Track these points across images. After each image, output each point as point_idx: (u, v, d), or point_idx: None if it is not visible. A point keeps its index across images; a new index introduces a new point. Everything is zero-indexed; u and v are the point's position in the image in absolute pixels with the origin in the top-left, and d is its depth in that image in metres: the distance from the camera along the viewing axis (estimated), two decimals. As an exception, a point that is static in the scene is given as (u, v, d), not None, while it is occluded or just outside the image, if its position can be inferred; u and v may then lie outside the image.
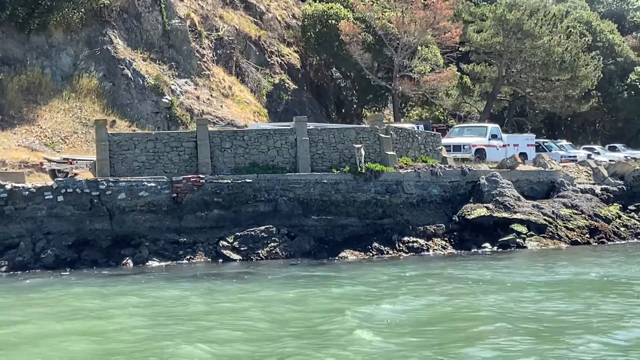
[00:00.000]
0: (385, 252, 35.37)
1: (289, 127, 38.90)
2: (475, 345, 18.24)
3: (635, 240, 40.33)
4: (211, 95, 52.76)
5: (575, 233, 38.78)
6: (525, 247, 36.69)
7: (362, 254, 35.15)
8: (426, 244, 36.31)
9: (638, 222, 42.24)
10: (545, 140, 62.77)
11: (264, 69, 59.52)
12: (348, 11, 60.05)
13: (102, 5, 49.90)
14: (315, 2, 62.43)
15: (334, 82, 65.19)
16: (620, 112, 79.00)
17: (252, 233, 34.49)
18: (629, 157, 60.96)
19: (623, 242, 39.62)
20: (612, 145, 72.10)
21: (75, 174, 37.15)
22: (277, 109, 58.35)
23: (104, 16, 50.36)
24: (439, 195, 38.73)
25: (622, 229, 40.93)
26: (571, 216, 39.75)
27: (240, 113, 53.26)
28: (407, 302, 23.92)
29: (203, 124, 37.55)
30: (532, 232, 37.70)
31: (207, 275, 29.83)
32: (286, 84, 60.12)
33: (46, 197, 33.43)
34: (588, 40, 69.10)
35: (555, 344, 18.14)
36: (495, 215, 37.77)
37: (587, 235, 39.10)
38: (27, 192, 33.28)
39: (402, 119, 60.49)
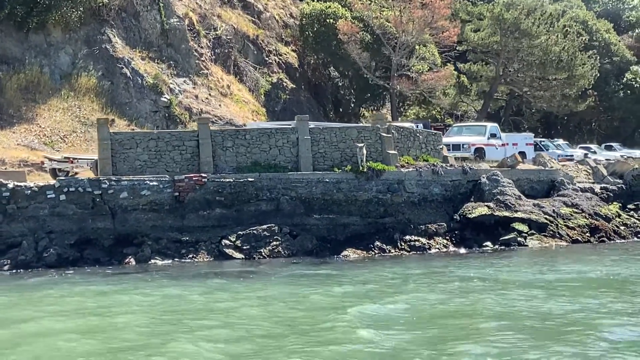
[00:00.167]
0: (387, 251, 35.43)
1: (290, 126, 38.88)
2: (484, 343, 18.32)
3: (635, 239, 40.44)
4: (210, 94, 52.72)
5: (575, 232, 38.90)
6: (526, 245, 36.83)
7: (364, 252, 35.22)
8: (428, 243, 36.39)
9: (638, 221, 42.33)
10: (542, 139, 62.81)
11: (262, 68, 59.49)
12: (346, 10, 59.99)
13: (100, 4, 49.80)
14: (313, 1, 62.41)
15: (331, 81, 65.19)
16: (616, 112, 79.17)
17: (255, 232, 34.51)
18: (625, 156, 61.05)
19: (623, 241, 39.70)
20: (608, 144, 72.25)
21: (76, 173, 37.08)
22: (275, 108, 58.34)
23: (102, 15, 50.28)
24: (440, 194, 38.78)
25: (622, 227, 41.04)
26: (572, 215, 39.83)
27: (238, 112, 53.21)
28: (411, 300, 24.08)
29: (205, 123, 37.52)
30: (533, 231, 37.84)
31: (212, 274, 29.89)
32: (284, 83, 60.11)
33: (48, 196, 33.40)
34: (585, 39, 69.16)
35: (567, 342, 18.21)
36: (496, 214, 37.86)
37: (587, 234, 39.24)
38: (29, 191, 33.25)
39: (399, 118, 60.45)
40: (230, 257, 33.55)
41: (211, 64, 55.23)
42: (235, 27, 58.89)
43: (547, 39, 63.07)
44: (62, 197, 33.46)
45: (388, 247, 35.73)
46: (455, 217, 38.18)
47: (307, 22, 61.42)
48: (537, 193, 41.81)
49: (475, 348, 17.89)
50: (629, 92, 77.18)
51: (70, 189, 33.61)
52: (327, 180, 36.65)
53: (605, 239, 39.32)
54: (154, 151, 35.92)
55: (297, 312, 22.62)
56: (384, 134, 38.67)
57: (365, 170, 37.02)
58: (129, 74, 49.19)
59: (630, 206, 44.04)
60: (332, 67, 63.72)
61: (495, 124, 53.98)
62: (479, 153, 47.53)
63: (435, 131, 45.52)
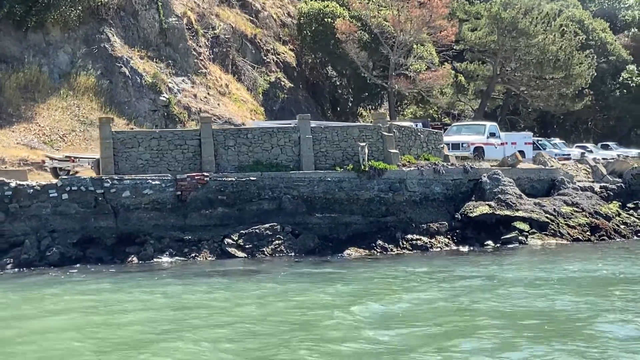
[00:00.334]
0: (389, 250, 35.45)
1: (291, 125, 38.91)
2: (489, 340, 18.40)
3: (636, 237, 40.54)
4: (208, 94, 52.73)
5: (576, 231, 38.95)
6: (527, 244, 36.87)
7: (367, 251, 35.24)
8: (429, 242, 36.41)
9: (638, 220, 42.41)
10: (539, 138, 62.86)
11: (260, 67, 59.50)
12: (344, 9, 59.96)
13: (99, 3, 49.76)
14: (311, 0, 62.32)
15: (329, 80, 65.14)
16: (613, 111, 79.39)
17: (257, 231, 34.52)
18: (622, 155, 61.13)
19: (624, 239, 39.75)
20: (604, 143, 72.35)
21: (77, 172, 37.08)
22: (273, 107, 58.37)
23: (101, 14, 50.23)
24: (442, 193, 38.82)
25: (622, 226, 41.11)
26: (572, 214, 39.89)
27: (237, 111, 53.22)
28: (415, 299, 24.19)
29: (207, 122, 37.51)
30: (534, 230, 37.89)
31: (215, 273, 29.90)
32: (282, 82, 60.16)
33: (51, 195, 33.38)
34: (582, 39, 69.28)
35: (575, 340, 18.28)
36: (497, 213, 37.91)
37: (588, 233, 39.30)
38: (31, 190, 33.22)
39: (397, 117, 60.46)
40: (232, 256, 33.55)
41: (209, 63, 55.24)
42: (233, 26, 58.88)
43: (545, 39, 63.15)
44: (65, 196, 33.44)
45: (390, 245, 35.75)
46: (456, 216, 38.22)
47: (305, 21, 61.42)
48: (537, 192, 41.88)
49: (479, 345, 17.97)
50: (625, 91, 77.39)
51: (73, 188, 33.59)
52: (329, 179, 36.67)
53: (605, 237, 39.38)
54: (155, 150, 35.91)
55: (300, 310, 22.63)
56: (386, 133, 38.70)
57: (367, 169, 37.05)
58: (127, 73, 49.17)
59: (630, 205, 44.14)
60: (329, 67, 63.64)
61: (495, 123, 53.99)
62: (478, 152, 47.55)
63: (436, 130, 45.53)
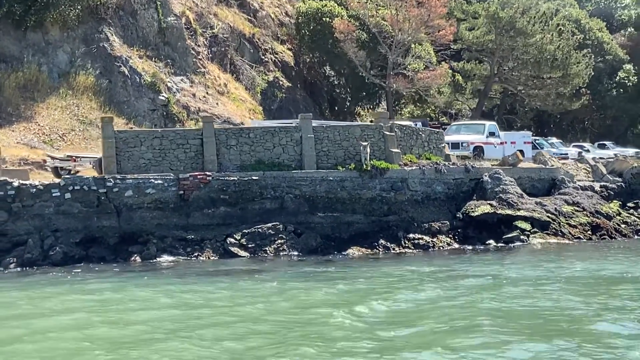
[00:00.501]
0: (391, 249, 35.51)
1: (293, 125, 38.94)
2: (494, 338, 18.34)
3: (636, 237, 40.66)
4: (207, 93, 52.75)
5: (577, 230, 39.08)
6: (529, 243, 36.89)
7: (369, 250, 35.31)
8: (431, 241, 36.45)
9: (638, 219, 42.53)
10: (537, 137, 62.89)
11: (258, 67, 59.54)
12: (342, 9, 60.00)
13: (98, 3, 49.79)
14: (309, -1, 62.46)
15: (327, 79, 65.12)
16: (609, 110, 79.47)
17: (259, 230, 34.53)
18: (619, 155, 61.22)
19: (624, 239, 39.86)
20: (601, 142, 72.37)
21: (77, 171, 37.07)
22: (271, 106, 58.42)
23: (100, 13, 50.25)
24: (443, 193, 38.87)
25: (623, 225, 41.23)
26: (573, 213, 40.00)
27: (235, 110, 53.26)
28: (419, 297, 24.19)
29: (209, 122, 37.54)
30: (535, 229, 37.96)
31: (219, 272, 29.87)
32: (280, 82, 60.22)
33: (53, 195, 33.34)
34: (579, 38, 69.39)
35: (589, 340, 18.26)
36: (499, 212, 37.98)
37: (589, 232, 39.41)
38: (34, 190, 33.19)
39: (394, 117, 60.45)
40: (235, 255, 33.54)
41: (208, 63, 55.29)
42: (231, 25, 58.92)
43: (542, 38, 63.25)
44: (67, 195, 33.41)
45: (392, 245, 35.81)
46: (458, 215, 38.26)
47: (303, 20, 61.40)
48: (538, 191, 41.95)
49: (485, 343, 17.97)
50: (621, 90, 77.49)
51: (76, 187, 33.57)
52: (331, 178, 36.69)
53: (606, 237, 39.50)
54: (158, 149, 35.91)
55: (305, 309, 22.60)
56: (387, 133, 38.74)
57: (369, 168, 37.08)
58: (126, 72, 49.21)
59: (630, 204, 44.28)
60: (327, 66, 63.62)
61: (494, 123, 54.06)
62: (478, 151, 47.57)
63: (437, 129, 45.58)
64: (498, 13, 62.81)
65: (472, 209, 38.20)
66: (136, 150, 35.69)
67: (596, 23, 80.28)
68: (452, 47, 64.58)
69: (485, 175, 39.48)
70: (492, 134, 49.84)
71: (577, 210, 40.34)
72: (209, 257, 33.31)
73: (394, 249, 35.56)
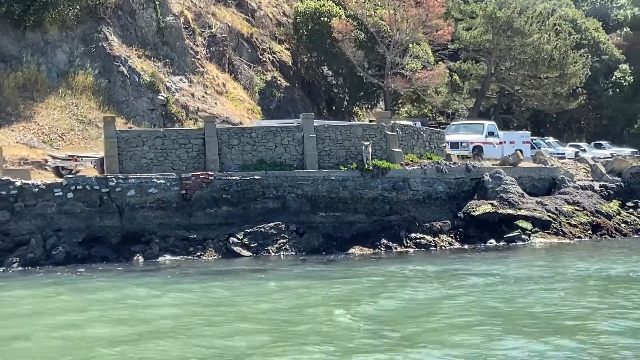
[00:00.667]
0: (393, 249, 35.61)
1: (294, 124, 38.98)
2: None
3: (636, 236, 40.78)
4: (205, 93, 52.75)
5: (578, 229, 39.18)
6: (530, 243, 37.00)
7: (371, 250, 35.39)
8: (433, 240, 36.53)
9: (638, 219, 42.66)
10: (534, 137, 62.92)
11: (256, 67, 59.54)
12: (340, 9, 59.93)
13: (97, 2, 49.74)
14: (307, -1, 62.42)
15: (324, 79, 65.12)
16: (605, 110, 79.61)
17: (262, 230, 34.58)
18: (615, 154, 61.38)
19: (625, 238, 39.99)
20: (597, 142, 72.51)
21: (78, 171, 37.05)
22: (269, 106, 58.43)
23: (99, 13, 50.21)
24: (444, 192, 38.93)
25: (623, 225, 41.37)
26: (573, 212, 40.10)
27: (234, 110, 53.27)
28: (423, 296, 24.34)
29: (211, 121, 37.56)
30: (536, 229, 38.07)
31: (223, 272, 29.96)
32: (278, 82, 60.22)
33: (56, 194, 33.37)
34: (576, 38, 69.50)
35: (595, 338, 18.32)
36: (500, 211, 38.06)
37: (589, 232, 39.51)
38: (36, 189, 33.20)
39: (392, 116, 60.38)
40: (238, 255, 33.61)
41: (206, 62, 55.25)
42: (229, 25, 58.91)
43: (539, 38, 63.26)
44: (70, 195, 33.44)
45: (394, 244, 35.91)
46: (459, 214, 38.33)
47: (301, 20, 61.33)
48: (538, 191, 42.00)
49: (486, 342, 18.00)
50: (617, 90, 77.63)
51: (78, 187, 33.60)
52: (333, 178, 36.74)
53: (607, 236, 39.64)
54: (160, 149, 35.91)
55: (307, 307, 22.68)
56: (389, 132, 38.76)
57: (370, 168, 37.11)
58: (125, 72, 49.21)
59: (629, 204, 44.46)
60: (325, 66, 63.58)
61: (493, 122, 54.09)
62: (477, 151, 47.56)
63: (438, 129, 45.64)
64: (495, 13, 62.77)
65: (473, 208, 38.28)
66: (138, 149, 35.68)
67: (592, 23, 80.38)
68: (449, 47, 64.55)
69: (486, 175, 39.55)
70: (491, 134, 49.85)
71: (577, 210, 40.44)
72: (211, 257, 33.33)
73: (396, 249, 35.65)
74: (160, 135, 36.38)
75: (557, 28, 67.06)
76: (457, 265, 30.81)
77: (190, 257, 33.24)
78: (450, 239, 37.07)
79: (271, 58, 61.50)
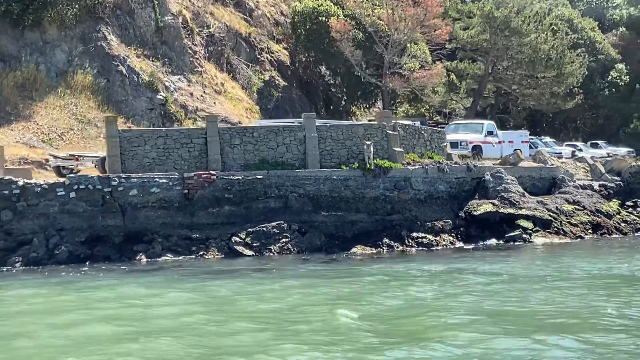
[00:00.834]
0: (395, 248, 35.66)
1: (296, 124, 39.01)
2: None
3: (637, 235, 40.91)
4: (204, 92, 52.75)
5: (579, 228, 39.30)
6: (531, 242, 37.12)
7: (373, 249, 35.42)
8: (435, 240, 36.56)
9: (638, 218, 42.78)
10: (531, 137, 62.97)
11: (254, 66, 59.52)
12: (338, 8, 59.93)
13: (96, 2, 49.69)
14: (305, -1, 62.42)
15: (322, 78, 65.13)
16: (601, 109, 79.76)
17: (264, 229, 34.57)
18: (611, 154, 61.54)
19: (625, 237, 40.14)
20: (593, 142, 72.61)
21: (79, 171, 37.02)
22: (267, 105, 58.43)
23: (97, 12, 50.20)
24: (446, 192, 39.01)
25: (623, 224, 41.51)
26: (574, 212, 40.23)
27: (233, 110, 53.28)
28: (426, 295, 24.33)
29: (213, 121, 37.60)
30: (537, 228, 38.15)
31: (228, 271, 29.93)
32: (276, 81, 60.22)
33: (58, 194, 33.29)
34: (574, 37, 69.61)
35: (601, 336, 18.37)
36: (501, 211, 38.15)
37: (590, 231, 39.63)
38: (39, 189, 33.14)
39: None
40: (240, 254, 33.60)
41: (205, 62, 55.25)
42: (227, 24, 58.91)
43: (537, 37, 63.34)
44: (72, 194, 33.38)
45: (396, 244, 35.97)
46: (460, 214, 38.43)
47: (299, 19, 61.34)
48: (538, 190, 42.12)
49: (488, 340, 18.02)
50: (613, 90, 77.78)
51: (80, 187, 33.53)
52: (335, 177, 36.77)
53: (607, 235, 39.72)
54: (162, 149, 35.90)
55: (309, 306, 22.75)
56: (390, 132, 38.80)
57: (372, 167, 37.15)
58: (124, 71, 49.20)
59: (629, 203, 44.62)
60: (323, 65, 63.56)
61: (492, 122, 54.19)
62: (477, 150, 47.62)
63: (439, 128, 45.71)
64: (493, 12, 62.85)
65: (474, 207, 38.37)
66: (140, 149, 35.65)
67: (588, 22, 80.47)
68: (447, 46, 64.64)
69: (487, 174, 39.63)
70: (490, 133, 49.91)
71: (577, 209, 40.57)
72: (214, 256, 33.33)
73: (398, 248, 35.72)
74: (162, 134, 36.38)
75: (553, 28, 67.17)
76: (460, 265, 30.81)
77: (192, 256, 33.21)
78: (451, 238, 37.15)
79: (269, 58, 61.53)
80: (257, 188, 35.65)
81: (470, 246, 36.69)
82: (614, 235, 40.08)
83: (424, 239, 36.35)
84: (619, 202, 43.96)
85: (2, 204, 32.61)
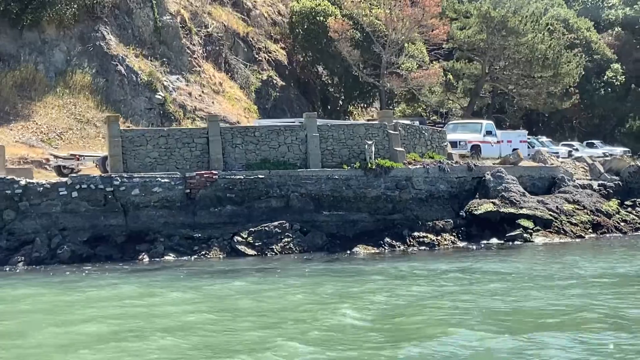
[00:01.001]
0: (396, 247, 35.71)
1: (297, 123, 39.04)
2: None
3: (636, 234, 40.99)
4: (202, 92, 52.78)
5: (579, 228, 39.36)
6: (532, 241, 37.17)
7: (374, 249, 35.45)
8: (436, 239, 36.61)
9: (637, 217, 42.89)
10: (529, 137, 63.08)
11: (252, 66, 59.48)
12: (336, 8, 59.89)
13: (94, 2, 49.69)
14: (303, -2, 62.39)
15: (319, 78, 65.11)
16: (597, 109, 79.80)
17: (266, 228, 34.61)
18: (607, 153, 61.67)
19: (624, 236, 40.23)
20: (589, 141, 72.69)
21: (79, 170, 37.02)
22: (265, 105, 58.41)
23: (96, 12, 50.26)
24: (446, 191, 39.06)
25: (623, 223, 41.62)
26: (574, 211, 40.32)
27: (231, 109, 53.28)
28: (428, 294, 24.41)
29: (214, 121, 37.63)
30: (538, 227, 38.19)
31: (232, 270, 30.00)
32: (274, 81, 60.20)
33: (60, 193, 33.32)
34: (570, 37, 69.70)
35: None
36: (501, 210, 38.21)
37: (590, 230, 39.74)
38: (41, 188, 33.15)
39: (388, 116, 60.44)
40: (242, 254, 33.65)
41: (203, 62, 55.26)
42: (225, 24, 58.88)
43: (534, 37, 63.40)
44: (74, 194, 33.41)
45: (397, 243, 36.03)
46: (461, 213, 38.52)
47: (297, 19, 61.34)
48: (538, 190, 42.21)
49: (489, 339, 18.07)
50: (609, 90, 77.81)
51: (82, 186, 33.56)
52: (336, 177, 36.80)
53: (607, 234, 39.81)
54: (164, 148, 35.93)
55: (311, 305, 22.86)
56: (391, 131, 38.85)
57: (373, 167, 37.18)
58: (123, 71, 49.21)
59: (628, 202, 44.75)
60: (321, 65, 63.53)
61: (491, 122, 54.27)
62: (475, 150, 47.70)
63: (439, 128, 45.79)
64: (490, 12, 62.84)
65: (475, 207, 38.44)
66: (142, 149, 35.67)
67: (584, 23, 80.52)
68: (444, 46, 64.70)
69: (488, 174, 39.69)
70: (489, 133, 50.00)
71: (577, 209, 40.67)
72: (216, 256, 33.36)
73: (399, 247, 35.77)
74: (164, 134, 36.43)
75: (550, 28, 67.27)
76: (461, 264, 30.89)
77: (195, 256, 33.27)
78: (452, 237, 37.21)
79: (267, 57, 61.49)
80: (259, 188, 35.68)
81: (471, 246, 36.74)
82: (613, 235, 40.26)
83: (425, 239, 36.41)
84: (618, 201, 44.07)
85: (5, 204, 32.69)
